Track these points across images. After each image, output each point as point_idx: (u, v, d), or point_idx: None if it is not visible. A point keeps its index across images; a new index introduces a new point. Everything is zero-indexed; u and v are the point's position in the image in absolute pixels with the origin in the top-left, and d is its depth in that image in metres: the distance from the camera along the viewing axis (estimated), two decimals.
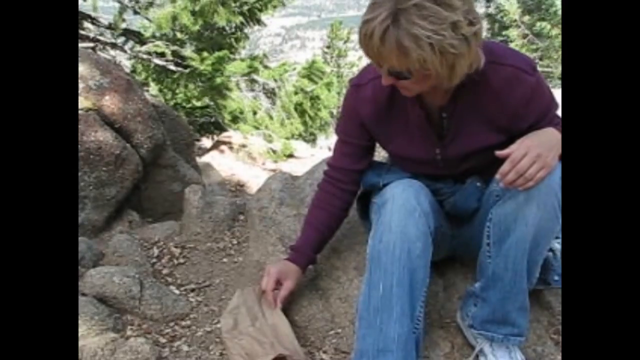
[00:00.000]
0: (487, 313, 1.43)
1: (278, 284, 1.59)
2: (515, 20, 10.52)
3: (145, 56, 6.69)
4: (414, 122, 1.43)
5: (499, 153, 1.26)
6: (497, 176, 1.27)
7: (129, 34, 6.85)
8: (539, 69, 1.44)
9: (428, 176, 1.51)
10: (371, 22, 1.16)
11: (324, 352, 1.58)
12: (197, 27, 6.64)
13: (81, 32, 6.16)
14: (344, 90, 1.56)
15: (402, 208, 1.35)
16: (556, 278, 1.62)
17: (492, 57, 1.31)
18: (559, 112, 1.32)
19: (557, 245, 1.53)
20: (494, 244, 1.36)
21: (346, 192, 1.61)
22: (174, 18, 6.43)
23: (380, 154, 2.01)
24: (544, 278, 1.57)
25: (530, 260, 1.34)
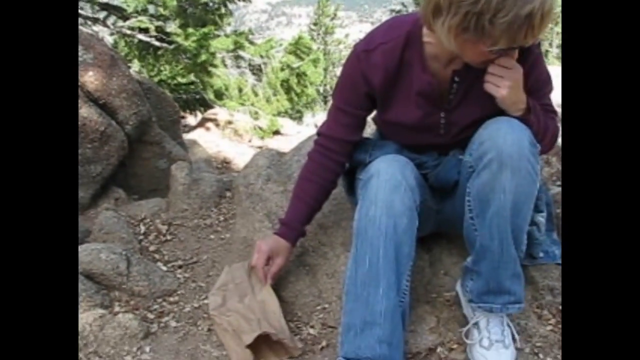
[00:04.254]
0: (481, 285, 1.43)
1: (269, 260, 1.59)
2: None
3: (128, 32, 6.57)
4: (421, 88, 1.42)
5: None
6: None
7: (111, 9, 6.72)
8: None
9: (413, 149, 1.51)
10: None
11: (312, 327, 1.59)
12: (174, 2, 6.51)
13: None
14: (331, 67, 1.52)
15: (388, 183, 1.36)
16: (541, 254, 1.64)
17: None
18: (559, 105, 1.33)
19: (540, 218, 1.54)
20: (477, 217, 1.37)
21: (337, 164, 1.58)
22: None
23: (367, 131, 2.01)
24: (530, 252, 1.58)
25: (515, 226, 1.35)
